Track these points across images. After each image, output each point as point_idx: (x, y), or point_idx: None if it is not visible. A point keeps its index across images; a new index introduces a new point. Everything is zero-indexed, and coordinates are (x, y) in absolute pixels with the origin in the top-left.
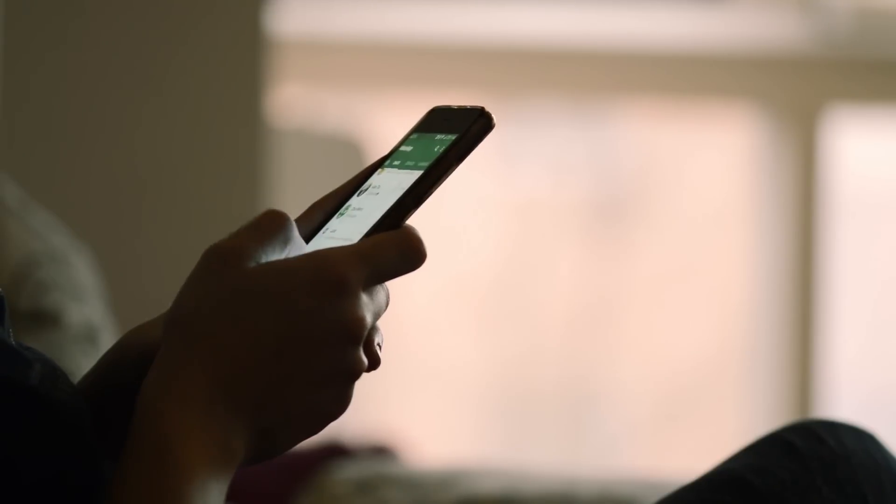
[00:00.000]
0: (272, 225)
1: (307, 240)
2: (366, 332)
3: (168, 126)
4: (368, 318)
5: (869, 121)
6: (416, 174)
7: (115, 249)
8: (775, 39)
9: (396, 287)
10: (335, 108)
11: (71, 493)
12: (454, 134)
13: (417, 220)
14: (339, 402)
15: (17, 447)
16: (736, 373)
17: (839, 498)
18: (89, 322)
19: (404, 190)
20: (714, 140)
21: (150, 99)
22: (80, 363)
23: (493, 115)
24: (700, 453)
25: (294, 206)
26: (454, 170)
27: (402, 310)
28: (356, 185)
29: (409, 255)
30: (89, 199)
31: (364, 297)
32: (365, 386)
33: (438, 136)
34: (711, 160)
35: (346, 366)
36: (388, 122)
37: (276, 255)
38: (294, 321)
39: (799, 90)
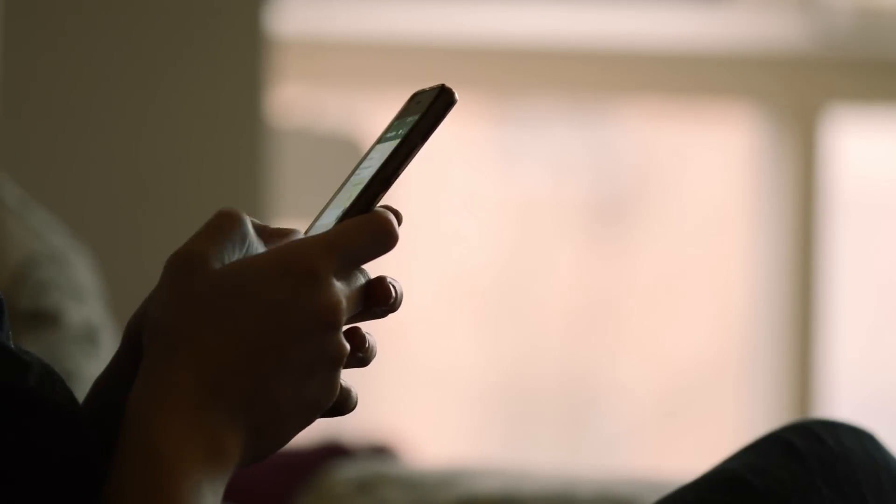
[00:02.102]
0: (227, 224)
1: (308, 229)
2: (343, 317)
3: (168, 126)
4: (344, 303)
5: (869, 121)
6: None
7: (115, 249)
8: (775, 39)
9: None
10: (335, 108)
11: (67, 496)
12: (418, 114)
13: (417, 220)
14: (327, 391)
15: (13, 449)
16: (736, 373)
17: (838, 498)
18: (89, 322)
19: (372, 174)
20: (714, 140)
21: (151, 99)
22: (80, 363)
23: (453, 91)
24: (700, 453)
25: (294, 206)
26: (420, 149)
27: (402, 310)
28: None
29: (378, 237)
30: (89, 199)
31: (337, 283)
32: (365, 386)
33: (409, 119)
34: (711, 160)
35: (328, 353)
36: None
37: (235, 253)
38: (270, 315)
39: (799, 90)
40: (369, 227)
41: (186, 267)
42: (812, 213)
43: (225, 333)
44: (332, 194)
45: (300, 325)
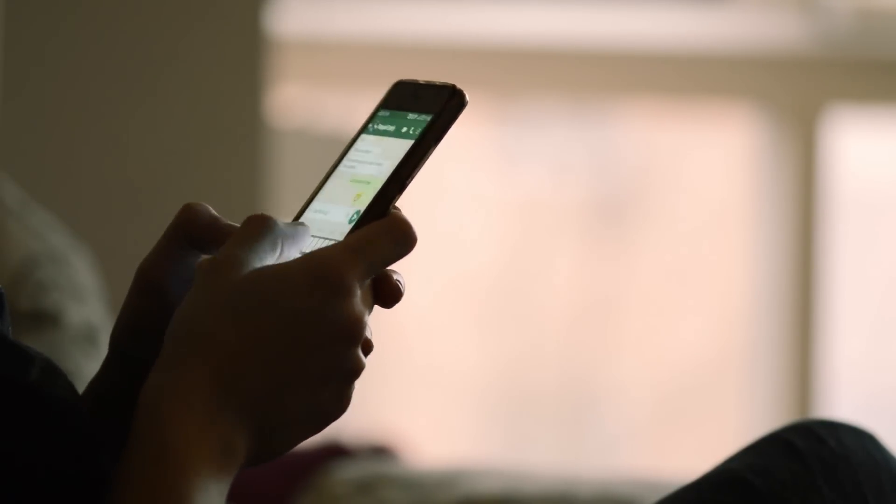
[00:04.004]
0: (258, 229)
1: (295, 218)
2: (364, 331)
3: (168, 126)
4: (366, 316)
5: (869, 121)
6: (396, 160)
7: (115, 249)
8: (775, 39)
9: None
10: (335, 108)
11: (69, 490)
12: (427, 114)
13: (417, 220)
14: (339, 402)
15: (15, 444)
16: (736, 373)
17: (839, 498)
18: (89, 322)
19: (386, 177)
20: (714, 140)
21: (151, 99)
22: (80, 363)
23: (465, 93)
24: (700, 453)
25: (294, 206)
26: (433, 151)
27: (402, 310)
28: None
29: (400, 242)
30: (89, 198)
31: (360, 295)
32: (365, 386)
33: (411, 116)
34: (711, 160)
35: (346, 366)
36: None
37: (268, 257)
38: (294, 323)
39: (799, 90)
40: (392, 233)
41: (217, 271)
42: (812, 213)
43: (246, 335)
44: (318, 183)
45: (323, 336)
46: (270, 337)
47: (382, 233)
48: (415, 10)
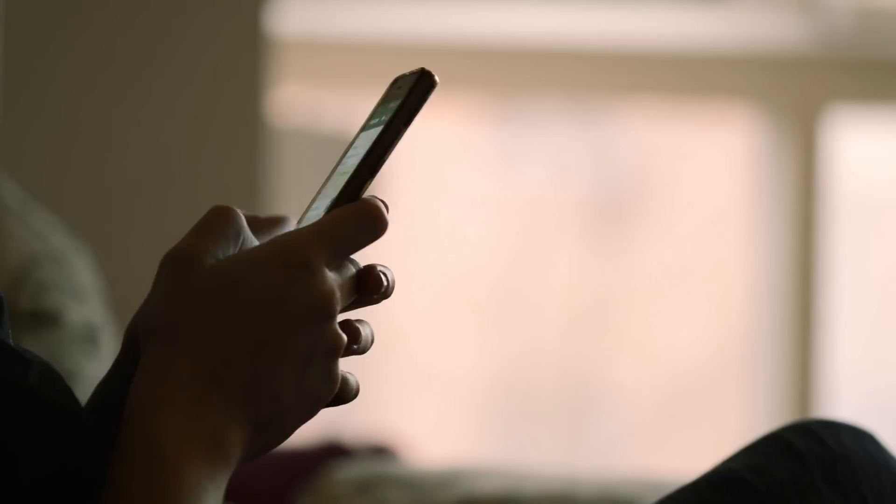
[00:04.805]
0: (220, 220)
1: (298, 221)
2: (337, 306)
3: (168, 126)
4: (338, 293)
5: (869, 121)
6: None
7: (115, 249)
8: (775, 39)
9: (397, 287)
10: (335, 108)
11: (68, 495)
12: (399, 100)
13: (417, 220)
14: (326, 381)
15: (14, 448)
16: (736, 373)
17: (839, 498)
18: (89, 322)
19: (358, 162)
20: (714, 140)
21: (150, 99)
22: (80, 363)
23: (433, 74)
24: (700, 453)
25: (294, 206)
26: (404, 134)
27: (402, 310)
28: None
29: (367, 224)
30: (89, 198)
31: (329, 273)
32: (365, 386)
33: (391, 104)
34: (711, 160)
35: (325, 343)
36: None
37: (230, 249)
38: (265, 308)
39: (799, 90)
40: (358, 215)
41: (181, 264)
42: (812, 213)
43: (221, 327)
44: (320, 185)
45: (295, 315)
46: (243, 324)
47: (349, 215)
48: (415, 10)
